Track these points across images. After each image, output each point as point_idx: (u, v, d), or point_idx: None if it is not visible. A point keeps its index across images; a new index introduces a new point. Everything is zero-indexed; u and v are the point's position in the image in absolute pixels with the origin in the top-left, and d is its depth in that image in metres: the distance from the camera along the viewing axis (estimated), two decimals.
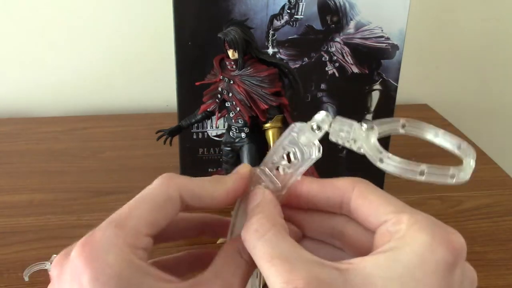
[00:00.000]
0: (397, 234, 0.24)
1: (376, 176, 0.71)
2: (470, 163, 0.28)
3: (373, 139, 0.27)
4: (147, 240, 0.24)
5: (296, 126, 0.28)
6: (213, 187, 0.27)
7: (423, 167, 0.28)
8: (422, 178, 0.27)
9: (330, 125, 0.28)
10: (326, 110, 0.66)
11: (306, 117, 0.63)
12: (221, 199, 0.27)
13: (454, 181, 0.26)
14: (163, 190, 0.25)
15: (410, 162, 0.27)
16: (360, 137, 0.28)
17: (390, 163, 0.28)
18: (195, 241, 0.62)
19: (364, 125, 0.27)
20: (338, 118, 0.28)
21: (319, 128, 0.28)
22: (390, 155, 0.28)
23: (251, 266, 0.26)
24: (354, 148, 0.28)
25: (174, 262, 0.31)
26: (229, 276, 0.25)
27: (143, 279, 0.23)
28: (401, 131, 0.28)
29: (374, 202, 0.27)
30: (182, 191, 0.26)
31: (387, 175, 0.71)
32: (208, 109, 0.52)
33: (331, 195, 0.28)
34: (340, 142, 0.29)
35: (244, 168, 0.29)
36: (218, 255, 0.27)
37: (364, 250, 0.26)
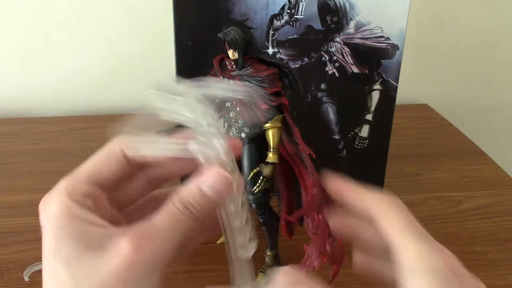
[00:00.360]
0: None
1: (376, 176, 0.71)
2: None
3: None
4: (88, 187, 0.27)
5: None
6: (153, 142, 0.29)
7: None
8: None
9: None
10: (326, 110, 0.66)
11: (306, 117, 0.62)
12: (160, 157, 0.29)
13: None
14: (107, 147, 0.29)
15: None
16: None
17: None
18: None
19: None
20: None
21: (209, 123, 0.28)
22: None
23: (181, 213, 0.26)
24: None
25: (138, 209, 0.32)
26: (157, 219, 0.26)
27: (74, 221, 0.26)
28: None
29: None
30: (123, 145, 0.28)
31: (387, 175, 0.71)
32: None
33: (362, 210, 0.31)
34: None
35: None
36: (162, 209, 0.27)
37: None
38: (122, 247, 0.25)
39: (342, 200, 0.31)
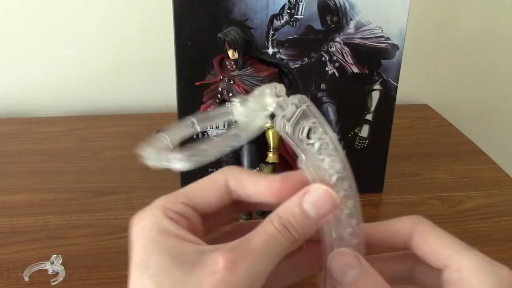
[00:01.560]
0: (462, 283, 0.26)
1: (376, 176, 0.71)
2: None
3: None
4: (183, 208, 0.27)
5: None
6: (259, 178, 0.28)
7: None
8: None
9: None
10: (326, 110, 0.66)
11: None
12: (265, 192, 0.27)
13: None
14: (213, 175, 0.28)
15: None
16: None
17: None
18: None
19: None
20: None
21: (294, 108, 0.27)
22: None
23: (279, 232, 0.25)
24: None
25: (226, 234, 0.31)
26: (252, 235, 0.25)
27: (166, 236, 0.25)
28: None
29: (433, 244, 0.28)
30: (228, 176, 0.28)
31: (387, 175, 0.71)
32: (208, 109, 0.52)
33: (393, 240, 0.29)
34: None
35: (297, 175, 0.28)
36: (259, 228, 0.26)
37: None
38: (215, 265, 0.23)
39: (373, 243, 0.28)
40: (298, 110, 0.26)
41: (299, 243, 0.26)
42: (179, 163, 0.26)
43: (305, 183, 0.26)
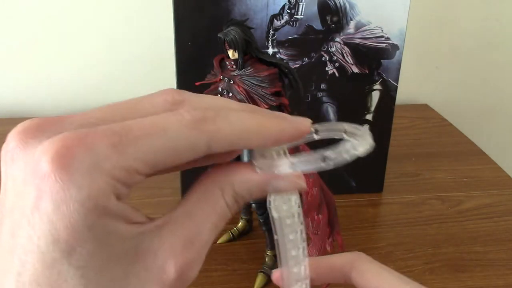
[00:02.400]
0: None
1: (376, 176, 0.71)
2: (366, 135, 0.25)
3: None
4: (138, 178, 0.19)
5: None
6: (254, 137, 0.22)
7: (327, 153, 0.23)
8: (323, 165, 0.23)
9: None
10: (326, 110, 0.66)
11: (306, 117, 0.62)
12: (257, 147, 0.23)
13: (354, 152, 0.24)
14: (191, 135, 0.20)
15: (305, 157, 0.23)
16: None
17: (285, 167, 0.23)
18: None
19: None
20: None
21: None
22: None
23: (229, 211, 0.22)
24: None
25: None
26: (203, 219, 0.21)
27: (105, 218, 0.18)
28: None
29: (372, 280, 0.27)
30: (213, 142, 0.20)
31: (387, 175, 0.71)
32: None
33: (335, 275, 0.28)
34: None
35: (307, 122, 0.24)
36: (194, 189, 0.22)
37: None
38: (164, 273, 0.20)
39: (313, 277, 0.27)
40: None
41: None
42: (293, 166, 0.22)
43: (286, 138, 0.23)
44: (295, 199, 0.25)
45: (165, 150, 0.19)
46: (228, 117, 0.21)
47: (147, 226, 0.20)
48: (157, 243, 0.20)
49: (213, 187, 0.22)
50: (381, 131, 0.68)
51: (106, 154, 0.18)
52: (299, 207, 0.25)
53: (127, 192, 0.19)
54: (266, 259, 0.56)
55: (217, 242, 0.61)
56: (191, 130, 0.20)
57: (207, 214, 0.21)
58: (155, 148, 0.19)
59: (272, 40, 0.62)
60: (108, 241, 0.19)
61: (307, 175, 0.50)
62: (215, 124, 0.20)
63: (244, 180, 0.22)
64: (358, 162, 0.74)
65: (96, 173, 0.18)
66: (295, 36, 0.62)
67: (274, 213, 0.24)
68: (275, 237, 0.25)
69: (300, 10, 0.61)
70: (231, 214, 0.22)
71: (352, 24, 0.62)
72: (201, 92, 0.56)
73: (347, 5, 0.61)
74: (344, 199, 0.68)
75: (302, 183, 0.24)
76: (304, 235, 0.25)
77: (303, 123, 0.23)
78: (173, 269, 0.20)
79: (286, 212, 0.24)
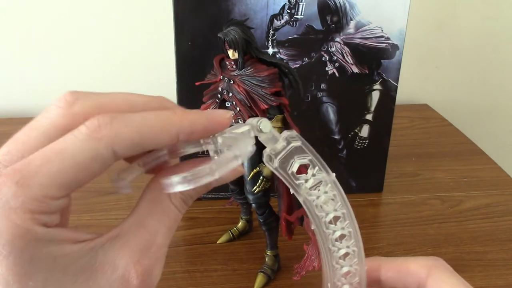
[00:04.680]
0: None
1: (376, 176, 0.71)
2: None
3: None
4: (57, 204, 0.20)
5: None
6: (160, 134, 0.22)
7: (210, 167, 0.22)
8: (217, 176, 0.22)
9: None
10: (326, 110, 0.66)
11: (306, 117, 0.62)
12: (167, 144, 0.23)
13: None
14: (90, 146, 0.20)
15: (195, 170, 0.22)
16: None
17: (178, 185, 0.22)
18: (193, 241, 0.62)
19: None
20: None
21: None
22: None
23: (180, 213, 0.23)
24: None
25: None
26: (155, 224, 0.22)
27: (41, 247, 0.19)
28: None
29: None
30: (117, 145, 0.21)
31: (387, 175, 0.71)
32: (208, 109, 0.52)
33: (406, 281, 0.26)
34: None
35: (227, 115, 0.24)
36: (143, 198, 0.23)
37: None
38: (127, 281, 0.20)
39: (383, 278, 0.26)
40: (289, 146, 0.25)
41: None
42: (178, 185, 0.21)
43: (211, 127, 0.23)
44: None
45: (69, 169, 0.20)
46: (125, 118, 0.21)
47: (97, 241, 0.21)
48: (112, 255, 0.20)
49: (160, 193, 0.22)
50: (381, 131, 0.68)
51: (12, 193, 0.19)
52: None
53: (53, 218, 0.20)
54: (266, 259, 0.56)
55: (217, 242, 0.61)
56: (89, 141, 0.20)
57: (159, 220, 0.22)
58: (59, 170, 0.20)
59: (272, 40, 0.62)
60: (58, 265, 0.19)
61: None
62: (112, 128, 0.20)
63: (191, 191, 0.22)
64: (358, 162, 0.74)
65: (8, 214, 0.19)
66: (295, 36, 0.62)
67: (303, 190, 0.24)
68: (312, 227, 0.24)
69: (300, 10, 0.61)
70: (183, 214, 0.23)
71: (352, 24, 0.62)
72: (201, 92, 0.56)
73: (347, 5, 0.61)
74: None
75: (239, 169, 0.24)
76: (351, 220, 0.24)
77: (220, 114, 0.24)
78: (134, 276, 0.20)
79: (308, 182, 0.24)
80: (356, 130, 0.68)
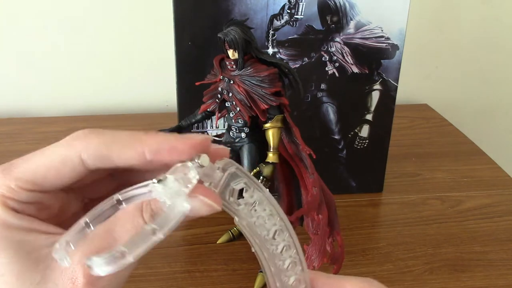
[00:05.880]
0: None
1: (376, 176, 0.71)
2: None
3: None
4: (25, 194, 0.23)
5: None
6: (125, 148, 0.23)
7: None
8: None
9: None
10: (326, 110, 0.66)
11: (306, 117, 0.63)
12: (135, 161, 0.24)
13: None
14: (62, 150, 0.24)
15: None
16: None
17: None
18: (193, 241, 0.62)
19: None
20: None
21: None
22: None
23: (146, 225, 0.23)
24: None
25: None
26: (120, 234, 0.22)
27: (7, 228, 0.22)
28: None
29: None
30: (84, 153, 0.23)
31: (387, 175, 0.71)
32: (208, 109, 0.52)
33: None
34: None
35: (199, 138, 0.24)
36: (126, 220, 0.23)
37: None
38: (75, 280, 0.21)
39: None
40: (225, 174, 0.25)
41: None
42: (97, 268, 0.20)
43: (177, 147, 0.23)
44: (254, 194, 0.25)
45: (40, 167, 0.23)
46: (99, 132, 0.24)
47: (58, 237, 0.22)
48: (71, 251, 0.22)
49: (135, 206, 0.23)
50: (381, 131, 0.68)
51: None
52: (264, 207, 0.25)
53: (24, 207, 0.23)
54: None
55: (217, 242, 0.61)
56: (63, 147, 0.24)
57: (126, 230, 0.22)
58: (33, 167, 0.23)
59: (272, 40, 0.62)
60: (22, 250, 0.22)
61: (306, 175, 0.50)
62: (84, 138, 0.24)
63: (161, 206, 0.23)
64: (358, 162, 0.74)
65: None
66: (295, 36, 0.62)
67: (242, 222, 0.24)
68: (252, 249, 0.24)
69: (300, 10, 0.61)
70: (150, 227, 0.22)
71: (352, 24, 0.62)
72: (201, 92, 0.56)
73: (347, 5, 0.61)
74: (344, 199, 0.68)
75: (214, 205, 0.23)
76: (293, 239, 0.25)
77: (192, 137, 0.24)
78: (80, 276, 0.21)
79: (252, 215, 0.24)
80: (356, 130, 0.68)
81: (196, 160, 0.23)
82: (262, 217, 0.25)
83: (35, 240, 0.22)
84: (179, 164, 0.23)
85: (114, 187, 0.27)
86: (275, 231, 0.25)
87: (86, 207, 0.26)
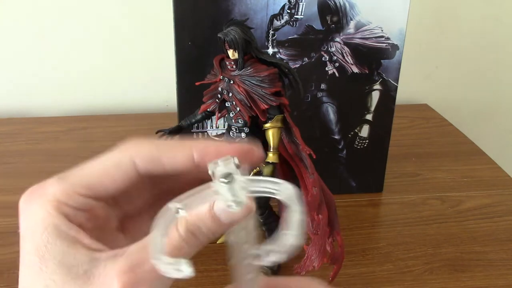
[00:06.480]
0: None
1: (376, 176, 0.71)
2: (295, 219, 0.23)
3: None
4: (82, 200, 0.24)
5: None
6: (175, 150, 0.25)
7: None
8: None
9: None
10: (326, 110, 0.66)
11: (306, 117, 0.63)
12: (184, 164, 0.24)
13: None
14: (115, 155, 0.25)
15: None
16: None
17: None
18: None
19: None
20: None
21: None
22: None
23: (184, 242, 0.23)
24: None
25: None
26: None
27: (56, 235, 0.23)
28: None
29: None
30: (136, 156, 0.24)
31: (387, 175, 0.71)
32: (208, 109, 0.52)
33: None
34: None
35: (246, 145, 0.25)
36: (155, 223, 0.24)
37: None
38: (111, 285, 0.21)
39: None
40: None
41: (203, 247, 0.23)
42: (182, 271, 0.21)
43: (223, 150, 0.24)
44: (252, 224, 0.25)
45: (95, 172, 0.24)
46: (150, 140, 0.25)
47: (104, 254, 0.23)
48: (110, 268, 0.22)
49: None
50: (381, 131, 0.68)
51: (50, 183, 0.24)
52: (255, 231, 0.25)
53: (76, 214, 0.23)
54: None
55: (217, 242, 0.60)
56: (116, 153, 0.25)
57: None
58: (87, 174, 0.24)
59: (272, 40, 0.62)
60: (65, 261, 0.22)
61: (306, 175, 0.50)
62: (136, 145, 0.25)
63: (195, 213, 0.23)
64: (358, 162, 0.74)
65: (44, 200, 0.23)
66: (295, 36, 0.62)
67: (232, 238, 0.24)
68: (232, 261, 0.24)
69: (300, 10, 0.61)
70: (190, 245, 0.23)
71: (352, 24, 0.62)
72: (201, 92, 0.56)
73: (347, 5, 0.61)
74: (344, 199, 0.68)
75: (249, 209, 0.24)
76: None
77: (240, 143, 0.25)
78: (117, 284, 0.21)
79: (243, 238, 0.24)
80: (356, 130, 0.68)
81: (234, 161, 0.24)
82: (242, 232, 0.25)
83: (76, 254, 0.22)
84: (220, 163, 0.23)
85: (152, 202, 0.27)
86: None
87: (122, 225, 0.27)
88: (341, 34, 0.62)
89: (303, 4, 0.60)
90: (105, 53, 0.95)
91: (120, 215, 0.27)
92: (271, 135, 0.50)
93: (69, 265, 0.22)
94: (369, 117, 0.67)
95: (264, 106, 0.49)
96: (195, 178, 0.25)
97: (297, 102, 0.64)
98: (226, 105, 0.51)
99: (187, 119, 0.55)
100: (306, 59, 0.63)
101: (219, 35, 0.48)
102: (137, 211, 0.27)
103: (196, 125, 0.63)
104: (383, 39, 0.63)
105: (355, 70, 0.64)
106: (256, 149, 0.25)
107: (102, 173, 0.24)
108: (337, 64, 0.64)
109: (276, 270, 0.56)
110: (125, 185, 0.25)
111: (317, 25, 0.62)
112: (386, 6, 0.62)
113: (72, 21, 0.92)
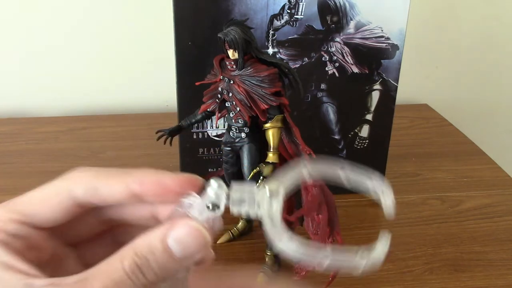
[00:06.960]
0: None
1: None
2: (384, 241, 0.24)
3: (276, 209, 0.23)
4: (17, 227, 0.23)
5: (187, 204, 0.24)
6: (111, 181, 0.24)
7: (327, 253, 0.23)
8: (324, 266, 0.22)
9: (227, 197, 0.24)
10: (326, 110, 0.66)
11: (306, 117, 0.62)
12: (121, 195, 0.24)
13: (364, 263, 0.23)
14: (56, 185, 0.25)
15: (311, 248, 0.23)
16: (264, 204, 0.23)
17: (290, 246, 0.23)
18: None
19: (267, 189, 0.23)
20: (234, 186, 0.24)
21: (216, 206, 0.23)
22: (293, 236, 0.23)
23: (129, 279, 0.22)
24: (259, 217, 0.24)
25: None
26: (94, 283, 0.22)
27: None
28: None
29: None
30: (75, 187, 0.24)
31: (387, 175, 0.71)
32: (208, 109, 0.52)
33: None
34: (243, 212, 0.24)
35: (192, 177, 0.25)
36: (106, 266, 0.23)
37: None
38: None
39: None
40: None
41: (155, 286, 0.22)
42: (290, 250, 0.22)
43: (163, 180, 0.24)
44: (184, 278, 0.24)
45: (34, 199, 0.24)
46: (93, 169, 0.25)
47: (37, 281, 0.22)
48: None
49: (118, 253, 0.22)
50: (381, 131, 0.68)
51: None
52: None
53: (12, 241, 0.23)
54: (266, 259, 0.56)
55: (217, 242, 0.61)
56: (57, 181, 0.25)
57: (100, 280, 0.21)
58: (27, 199, 0.24)
59: (272, 40, 0.62)
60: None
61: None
62: (77, 172, 0.25)
63: (146, 242, 0.22)
64: (358, 162, 0.74)
65: None
66: (295, 36, 0.62)
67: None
68: None
69: (300, 10, 0.61)
70: (135, 283, 0.21)
71: (352, 24, 0.62)
72: (201, 92, 0.56)
73: (347, 5, 0.61)
74: (344, 199, 0.68)
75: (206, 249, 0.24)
76: None
77: (181, 174, 0.25)
78: None
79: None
80: (356, 130, 0.68)
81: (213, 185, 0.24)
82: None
83: (10, 280, 0.22)
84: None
85: (106, 229, 0.27)
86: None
87: (78, 252, 0.26)
88: (341, 34, 0.62)
89: (303, 4, 0.60)
90: (105, 53, 0.95)
91: (71, 242, 0.26)
92: (271, 135, 0.50)
93: None
94: (369, 117, 0.67)
95: (264, 106, 0.49)
96: (143, 207, 0.25)
97: (297, 102, 0.64)
98: (226, 105, 0.51)
99: (187, 119, 0.55)
100: (306, 59, 0.63)
101: (219, 35, 0.48)
102: (90, 238, 0.27)
103: (196, 125, 0.63)
104: (383, 39, 0.63)
105: (355, 70, 0.64)
106: (195, 178, 0.25)
107: (39, 201, 0.24)
108: (337, 64, 0.64)
109: (276, 270, 0.56)
110: (66, 214, 0.24)
111: (317, 25, 0.62)
112: (386, 6, 0.62)
113: (72, 21, 0.92)
